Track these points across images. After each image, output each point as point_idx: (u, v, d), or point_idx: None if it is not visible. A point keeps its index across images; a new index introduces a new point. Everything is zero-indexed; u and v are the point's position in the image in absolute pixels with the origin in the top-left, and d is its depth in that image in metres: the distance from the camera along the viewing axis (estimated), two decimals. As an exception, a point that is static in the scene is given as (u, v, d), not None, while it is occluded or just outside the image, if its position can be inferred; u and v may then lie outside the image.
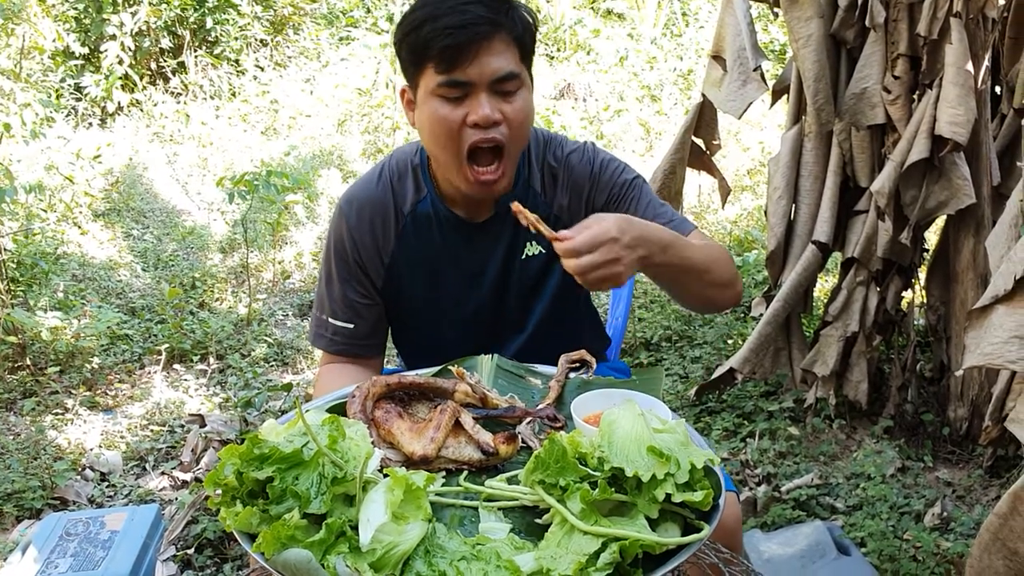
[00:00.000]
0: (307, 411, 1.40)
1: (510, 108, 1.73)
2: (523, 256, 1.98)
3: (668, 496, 1.20)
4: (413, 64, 1.74)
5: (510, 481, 1.39)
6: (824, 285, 4.70)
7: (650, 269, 1.68)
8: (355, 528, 1.17)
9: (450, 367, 1.69)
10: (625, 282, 1.60)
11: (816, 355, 3.52)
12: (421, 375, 1.65)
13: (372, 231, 1.96)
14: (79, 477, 3.40)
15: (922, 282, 3.59)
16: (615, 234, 1.54)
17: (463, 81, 1.69)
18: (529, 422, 1.52)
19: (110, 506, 3.24)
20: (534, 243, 1.97)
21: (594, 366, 1.76)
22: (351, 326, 1.99)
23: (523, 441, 1.48)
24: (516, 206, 1.62)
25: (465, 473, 1.42)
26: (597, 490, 1.21)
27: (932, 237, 3.95)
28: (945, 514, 2.98)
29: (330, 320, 2.00)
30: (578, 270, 1.54)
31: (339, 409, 1.53)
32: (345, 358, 2.02)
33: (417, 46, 1.70)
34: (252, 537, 1.19)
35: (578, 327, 2.13)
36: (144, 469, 3.52)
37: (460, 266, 1.99)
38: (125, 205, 6.66)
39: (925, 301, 3.58)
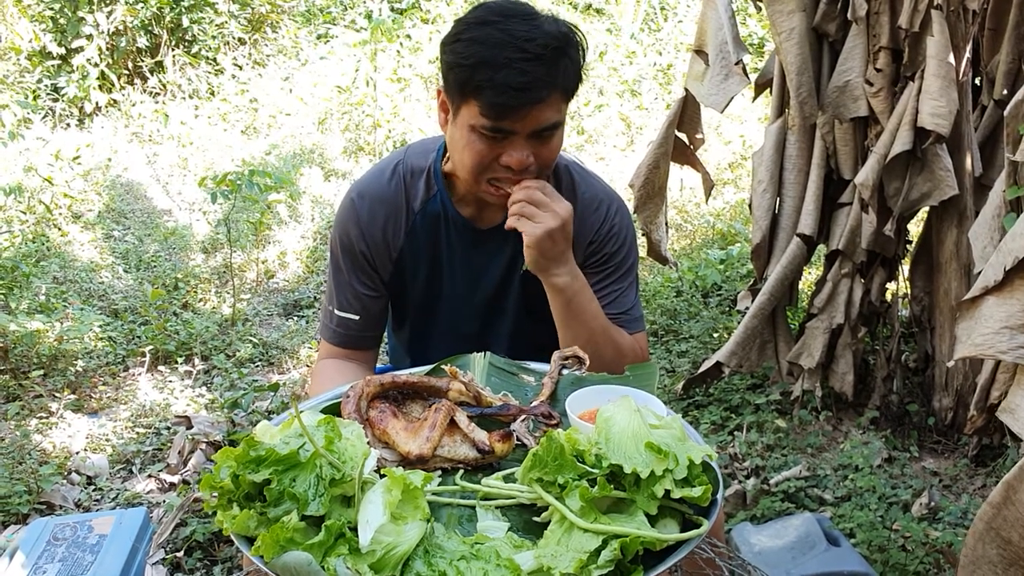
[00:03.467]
0: (301, 412, 1.39)
1: (545, 150, 1.75)
2: (522, 269, 1.98)
3: (667, 492, 1.20)
4: (459, 93, 1.71)
5: (506, 479, 1.38)
6: (809, 277, 4.73)
7: (556, 291, 1.83)
8: (354, 529, 1.16)
9: (443, 366, 1.69)
10: (535, 234, 1.73)
11: (802, 347, 3.53)
12: (414, 374, 1.64)
13: (384, 228, 1.96)
14: (65, 481, 3.37)
15: (906, 273, 3.61)
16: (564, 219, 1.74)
17: (507, 130, 1.70)
18: (524, 420, 1.52)
19: (97, 510, 3.21)
20: None
21: (587, 362, 1.75)
22: (356, 317, 2.00)
23: (518, 439, 1.48)
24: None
25: (461, 472, 1.42)
26: (596, 487, 1.20)
27: (915, 228, 3.97)
28: (932, 504, 3.00)
29: (336, 312, 2.01)
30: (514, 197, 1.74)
31: (333, 409, 1.52)
32: (344, 350, 2.03)
33: (467, 85, 1.67)
34: (250, 540, 1.18)
35: None
36: (131, 472, 3.49)
37: (462, 268, 1.99)
38: (105, 206, 6.61)
39: (909, 292, 3.60)
